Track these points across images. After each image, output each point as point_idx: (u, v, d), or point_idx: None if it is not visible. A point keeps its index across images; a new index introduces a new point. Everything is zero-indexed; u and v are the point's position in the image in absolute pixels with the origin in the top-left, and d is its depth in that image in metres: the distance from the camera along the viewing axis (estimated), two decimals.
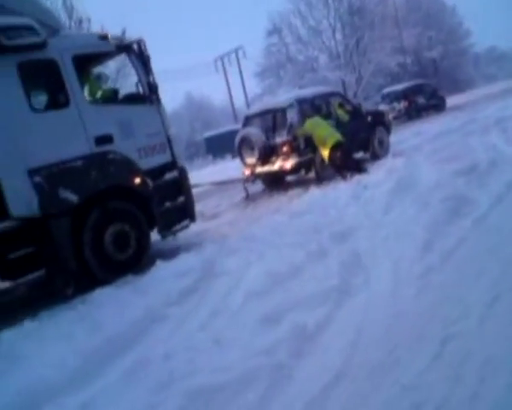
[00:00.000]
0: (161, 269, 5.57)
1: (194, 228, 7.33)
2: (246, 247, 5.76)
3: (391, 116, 19.57)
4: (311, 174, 10.32)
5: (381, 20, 35.72)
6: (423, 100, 23.44)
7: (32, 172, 5.47)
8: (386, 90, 25.43)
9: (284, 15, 37.42)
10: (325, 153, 9.35)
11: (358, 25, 35.99)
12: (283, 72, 38.33)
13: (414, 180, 6.84)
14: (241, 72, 38.75)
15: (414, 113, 22.30)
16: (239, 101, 42.14)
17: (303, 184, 10.26)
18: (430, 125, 16.42)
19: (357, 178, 8.59)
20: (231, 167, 17.08)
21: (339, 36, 37.28)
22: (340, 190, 7.88)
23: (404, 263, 4.32)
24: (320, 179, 9.80)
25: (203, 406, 2.87)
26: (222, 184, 13.70)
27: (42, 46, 5.59)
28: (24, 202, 5.40)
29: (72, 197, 5.64)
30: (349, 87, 34.48)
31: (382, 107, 21.40)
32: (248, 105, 36.56)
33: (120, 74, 22.96)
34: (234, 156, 26.61)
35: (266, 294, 4.23)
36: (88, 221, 5.80)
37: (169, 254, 6.32)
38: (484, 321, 3.09)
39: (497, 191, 5.72)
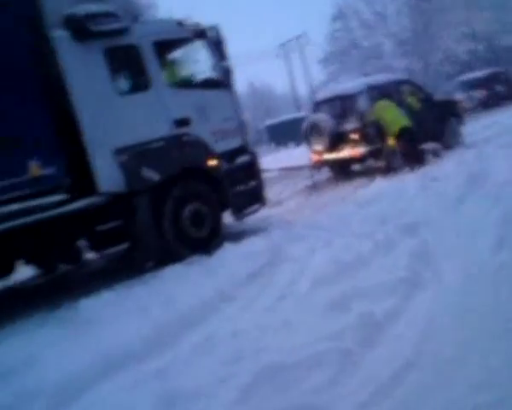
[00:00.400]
0: (229, 251, 5.77)
1: (260, 213, 7.46)
2: (312, 234, 5.85)
3: (465, 105, 18.49)
4: (381, 163, 10.12)
5: (451, 4, 34.15)
6: (502, 89, 21.98)
7: (117, 152, 5.84)
8: (463, 77, 24.03)
9: (349, 0, 36.63)
10: (391, 139, 9.18)
11: (426, 9, 34.55)
12: (347, 58, 37.59)
13: (485, 174, 6.62)
14: (304, 59, 38.43)
15: (492, 102, 20.91)
16: (301, 88, 41.86)
17: (369, 173, 10.15)
18: (507, 116, 15.62)
19: (426, 169, 8.41)
20: (294, 155, 17.09)
21: (405, 21, 36.07)
22: (408, 180, 7.76)
23: (475, 258, 4.23)
24: (388, 169, 9.58)
25: (271, 383, 2.98)
26: (289, 170, 13.71)
27: (124, 32, 5.90)
28: (110, 179, 5.77)
29: (154, 176, 5.98)
30: (415, 75, 33.38)
31: (458, 95, 20.04)
32: (312, 93, 36.28)
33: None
34: (297, 144, 26.61)
35: (333, 281, 4.28)
36: (167, 199, 6.12)
37: (236, 237, 6.49)
38: None
39: None
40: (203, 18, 6.94)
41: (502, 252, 4.24)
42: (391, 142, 9.19)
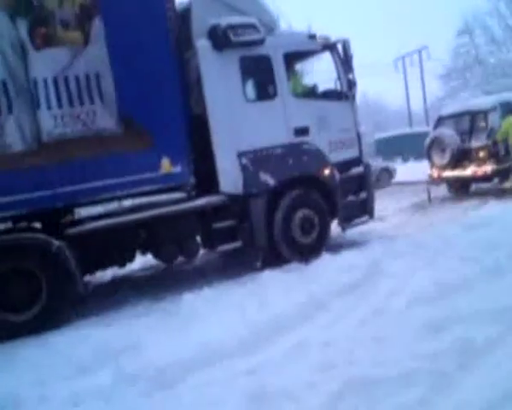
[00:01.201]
0: (327, 261, 5.81)
1: (362, 227, 7.40)
2: (413, 252, 5.68)
3: None
4: (508, 184, 9.61)
5: None
6: None
7: (240, 155, 6.21)
8: None
9: (478, 15, 34.78)
10: None
11: None
12: (470, 74, 35.62)
13: None
14: (422, 73, 37.03)
15: None
16: (415, 104, 40.34)
17: (481, 195, 9.59)
18: None
19: None
20: (401, 171, 16.68)
21: None
22: None
23: None
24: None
25: (359, 394, 2.97)
26: (402, 185, 13.36)
27: (260, 43, 6.26)
28: (232, 180, 6.17)
29: (270, 181, 6.31)
30: None
31: None
32: (428, 109, 34.90)
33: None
34: (405, 159, 25.77)
35: (432, 302, 4.15)
36: (281, 203, 6.39)
37: (335, 248, 6.51)
38: None
39: None
40: (322, 26, 7.10)
41: None
42: None
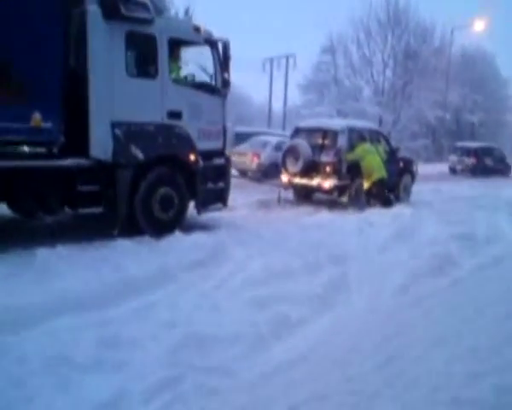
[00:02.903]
0: (178, 239, 6.44)
1: (213, 214, 8.17)
2: (253, 242, 6.64)
3: (458, 168, 24.42)
4: (344, 198, 11.20)
5: (433, 71, 36.43)
6: (491, 162, 24.94)
7: (114, 125, 6.44)
8: (460, 144, 27.29)
9: (342, 37, 38.19)
10: (367, 182, 10.39)
11: (410, 68, 36.68)
12: (327, 91, 39.02)
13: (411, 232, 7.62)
14: (287, 78, 39.40)
15: (479, 171, 23.69)
16: (276, 106, 42.80)
17: (318, 203, 11.08)
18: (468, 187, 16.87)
19: (366, 214, 9.31)
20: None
21: (389, 73, 38.10)
22: (349, 220, 8.66)
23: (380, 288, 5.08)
24: (351, 205, 10.65)
25: (196, 347, 3.63)
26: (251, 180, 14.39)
27: (149, 23, 6.58)
28: (102, 147, 6.36)
29: (139, 155, 6.64)
30: (385, 125, 35.20)
31: (452, 158, 25.31)
32: (286, 113, 37.21)
33: None
34: None
35: (261, 284, 5.00)
36: (146, 178, 6.77)
37: (186, 229, 7.14)
38: None
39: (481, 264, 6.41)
40: (200, 15, 7.67)
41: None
42: (366, 185, 10.40)
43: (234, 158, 11.69)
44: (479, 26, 31.94)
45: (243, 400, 3.02)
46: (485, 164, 24.49)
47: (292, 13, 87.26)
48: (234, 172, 11.69)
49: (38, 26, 5.67)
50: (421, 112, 36.66)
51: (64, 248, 5.68)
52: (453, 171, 24.82)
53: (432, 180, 17.48)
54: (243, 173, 15.23)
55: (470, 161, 24.48)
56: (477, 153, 24.79)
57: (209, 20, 7.79)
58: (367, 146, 10.68)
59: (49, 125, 5.82)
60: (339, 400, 2.99)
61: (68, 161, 6.11)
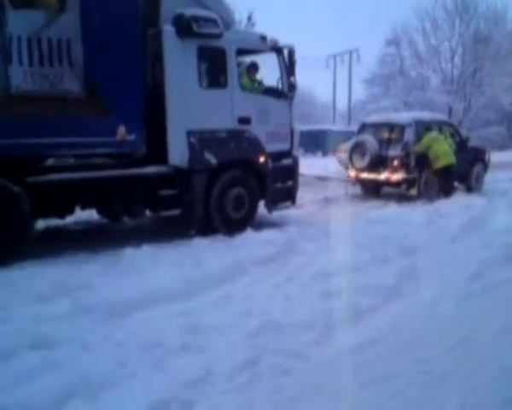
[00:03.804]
0: (251, 236, 6.84)
1: (282, 212, 8.49)
2: (321, 237, 6.85)
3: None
4: (413, 191, 11.19)
5: (506, 54, 34.61)
6: None
7: (189, 133, 6.98)
8: None
9: (407, 28, 37.26)
10: (434, 168, 10.31)
11: (480, 54, 35.06)
12: (392, 84, 38.22)
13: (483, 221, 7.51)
14: (350, 74, 39.10)
15: None
16: (341, 102, 42.52)
17: (386, 197, 11.07)
18: None
19: (437, 205, 9.23)
20: (318, 164, 17.87)
21: (457, 60, 36.59)
22: (418, 212, 8.65)
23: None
24: (420, 197, 10.69)
25: (272, 333, 3.89)
26: (322, 179, 14.56)
27: (218, 37, 7.06)
28: (179, 155, 6.92)
29: (212, 160, 7.16)
30: (455, 114, 33.91)
31: None
32: (351, 109, 36.91)
33: None
34: (324, 154, 27.49)
35: (331, 276, 5.19)
36: (219, 181, 7.30)
37: (257, 226, 7.54)
38: None
39: None
40: (261, 15, 8.04)
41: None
42: (434, 167, 10.30)
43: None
44: None
45: (314, 379, 3.27)
46: None
47: (355, 8, 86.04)
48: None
49: (122, 50, 6.29)
50: (495, 98, 34.89)
51: (149, 247, 6.21)
52: None
53: (507, 168, 16.75)
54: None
55: None
56: None
57: (272, 22, 8.11)
58: (433, 134, 10.60)
59: (132, 137, 6.44)
60: (407, 379, 3.18)
61: (150, 169, 6.72)
